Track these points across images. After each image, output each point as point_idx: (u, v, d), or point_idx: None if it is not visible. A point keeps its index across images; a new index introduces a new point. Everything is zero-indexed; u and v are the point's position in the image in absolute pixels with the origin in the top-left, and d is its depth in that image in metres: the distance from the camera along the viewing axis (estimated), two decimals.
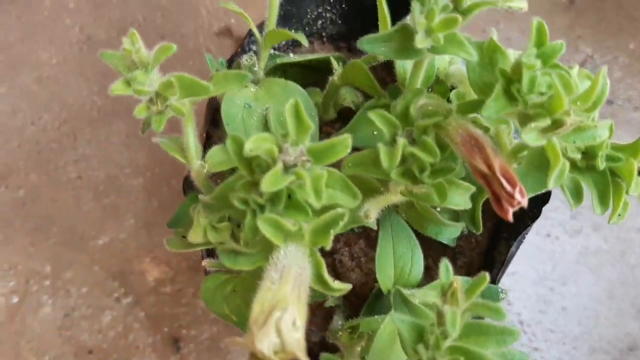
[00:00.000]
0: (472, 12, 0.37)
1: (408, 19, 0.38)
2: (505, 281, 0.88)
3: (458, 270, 0.62)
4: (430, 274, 0.63)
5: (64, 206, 0.89)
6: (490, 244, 0.63)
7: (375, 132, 0.50)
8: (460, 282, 0.37)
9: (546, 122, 0.33)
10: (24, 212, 0.89)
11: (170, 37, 0.96)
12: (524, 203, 0.34)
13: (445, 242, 0.54)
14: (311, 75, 0.63)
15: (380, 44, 0.38)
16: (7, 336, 0.84)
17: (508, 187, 0.33)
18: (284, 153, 0.36)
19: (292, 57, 0.58)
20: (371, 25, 0.55)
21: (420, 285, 0.55)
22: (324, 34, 0.69)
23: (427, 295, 0.43)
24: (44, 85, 0.93)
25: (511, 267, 0.88)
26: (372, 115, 0.39)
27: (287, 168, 0.36)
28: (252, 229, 0.36)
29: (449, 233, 0.53)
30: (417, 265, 0.53)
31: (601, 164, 0.37)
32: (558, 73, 0.33)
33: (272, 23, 0.53)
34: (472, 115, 0.39)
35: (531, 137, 0.34)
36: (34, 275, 0.87)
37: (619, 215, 0.39)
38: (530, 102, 0.34)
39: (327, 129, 0.64)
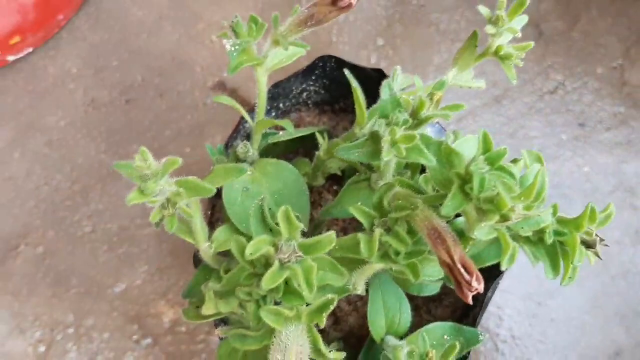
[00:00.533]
0: (428, 121, 0.44)
1: (376, 127, 0.45)
2: (496, 299, 0.96)
3: (444, 309, 0.69)
4: (419, 312, 0.71)
5: (81, 258, 0.96)
6: None
7: (359, 203, 0.57)
8: (434, 352, 0.43)
9: (496, 217, 0.40)
10: (44, 267, 0.95)
11: (168, 94, 1.03)
12: (481, 289, 0.41)
13: (427, 294, 0.61)
14: (300, 141, 0.70)
15: (354, 150, 0.45)
16: None
17: (466, 276, 0.40)
18: (279, 252, 0.43)
19: (281, 135, 0.65)
20: (351, 91, 0.62)
21: (410, 327, 0.62)
22: (309, 102, 0.76)
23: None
24: (55, 148, 1.00)
25: (501, 285, 0.94)
26: (352, 210, 0.46)
27: (282, 264, 0.43)
28: (256, 317, 0.43)
29: (429, 290, 0.60)
30: (405, 314, 0.60)
31: (549, 239, 0.44)
32: (501, 180, 0.40)
33: (261, 113, 0.59)
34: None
35: (482, 232, 0.41)
36: (58, 325, 0.93)
37: (570, 278, 0.46)
38: (482, 197, 0.41)
39: (318, 188, 0.71)
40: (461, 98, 1.04)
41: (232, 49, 0.54)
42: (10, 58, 1.01)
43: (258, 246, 0.42)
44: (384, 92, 0.44)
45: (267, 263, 0.44)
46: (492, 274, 0.63)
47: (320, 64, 0.71)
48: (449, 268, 0.41)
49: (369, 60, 1.05)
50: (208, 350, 0.94)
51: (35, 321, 0.94)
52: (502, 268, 0.42)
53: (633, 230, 0.98)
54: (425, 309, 0.69)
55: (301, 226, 0.43)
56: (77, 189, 0.99)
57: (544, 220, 0.42)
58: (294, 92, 0.74)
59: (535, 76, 1.05)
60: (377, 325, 0.59)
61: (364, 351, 0.62)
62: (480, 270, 0.56)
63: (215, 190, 0.49)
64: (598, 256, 0.47)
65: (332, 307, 0.44)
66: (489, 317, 0.94)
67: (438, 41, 1.07)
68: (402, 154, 0.42)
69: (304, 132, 0.65)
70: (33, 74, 1.04)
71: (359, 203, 0.57)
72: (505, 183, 0.40)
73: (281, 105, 0.74)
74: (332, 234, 0.44)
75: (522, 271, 0.97)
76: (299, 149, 0.73)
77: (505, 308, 0.96)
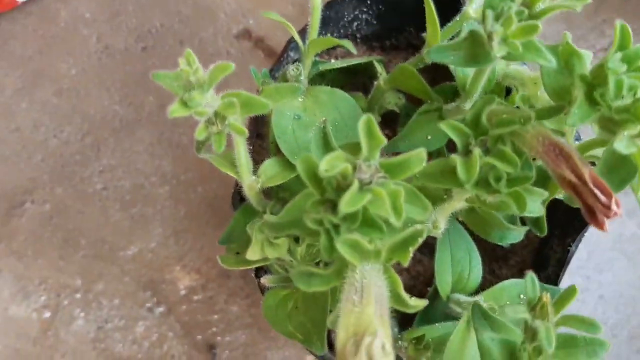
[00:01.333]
0: (544, 15, 0.35)
1: (475, 26, 0.36)
2: None
3: (510, 269, 0.61)
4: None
5: (91, 218, 0.88)
6: (542, 242, 0.61)
7: (428, 137, 0.49)
8: (548, 296, 0.35)
9: (636, 128, 0.32)
10: (51, 226, 0.87)
11: (189, 42, 0.94)
12: (620, 213, 0.33)
13: (510, 242, 0.52)
14: (349, 77, 0.62)
15: (450, 52, 0.37)
16: (41, 351, 0.83)
17: (603, 198, 0.32)
18: (358, 171, 0.35)
19: (334, 63, 0.57)
20: (406, 24, 0.54)
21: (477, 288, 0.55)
22: (357, 35, 0.68)
23: (516, 311, 0.41)
24: (65, 98, 0.92)
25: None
26: (444, 126, 0.38)
27: (362, 186, 0.35)
28: (328, 250, 0.35)
29: (513, 237, 0.52)
30: (475, 270, 0.52)
31: None
32: None
33: (314, 32, 0.51)
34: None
35: (622, 145, 0.33)
36: (65, 289, 0.86)
37: None
38: (615, 107, 0.33)
39: None
40: None
41: None
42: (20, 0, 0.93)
43: (334, 162, 0.34)
44: None
45: (339, 187, 0.36)
46: (574, 227, 0.55)
47: None
48: (576, 190, 0.33)
49: None
50: (226, 320, 0.86)
51: (40, 285, 0.86)
52: (638, 197, 0.33)
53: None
54: (487, 269, 0.61)
55: (385, 141, 0.35)
56: (88, 143, 0.90)
57: None
58: (344, 20, 0.65)
59: (589, 32, 0.97)
60: (444, 280, 0.51)
61: (423, 309, 0.53)
62: (559, 221, 0.48)
63: (270, 106, 0.41)
64: None
65: (420, 241, 0.36)
66: None
67: None
68: (518, 49, 0.34)
69: (360, 60, 0.57)
70: (44, 18, 0.95)
71: (429, 137, 0.49)
72: None
73: (329, 35, 0.65)
74: (422, 150, 0.35)
75: None
76: (346, 86, 0.65)
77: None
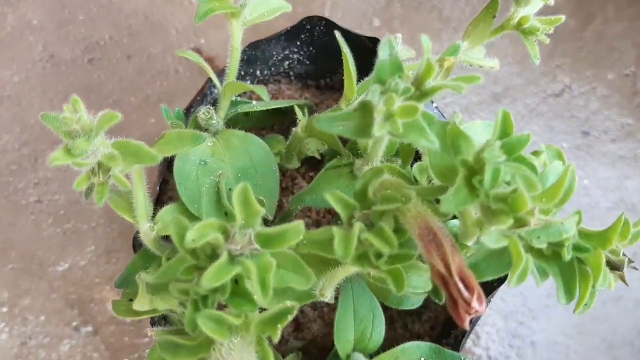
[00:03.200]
0: (434, 92, 0.34)
1: (369, 95, 0.35)
2: None
3: (422, 325, 0.60)
4: (394, 326, 0.61)
5: (22, 230, 0.86)
6: None
7: (338, 191, 0.48)
8: None
9: (509, 221, 0.31)
10: None
11: (137, 56, 0.93)
12: (482, 311, 0.32)
13: (408, 308, 0.51)
14: (276, 116, 0.60)
15: (339, 122, 0.35)
16: None
17: (465, 293, 0.31)
18: (230, 241, 0.34)
19: (254, 105, 0.55)
20: (340, 65, 0.53)
21: (382, 343, 0.53)
22: (291, 74, 0.67)
23: None
24: (5, 105, 0.90)
25: None
26: (329, 197, 0.36)
27: (233, 257, 0.34)
28: (192, 323, 0.34)
29: (411, 303, 0.51)
30: (378, 329, 0.51)
31: (567, 255, 0.35)
32: (522, 174, 0.31)
33: (232, 74, 0.50)
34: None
35: (492, 239, 0.32)
36: None
37: (586, 305, 0.37)
38: (493, 195, 0.32)
39: (292, 172, 0.62)
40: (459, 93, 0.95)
41: None
42: None
43: (203, 231, 0.33)
44: (383, 50, 0.35)
45: (214, 254, 0.34)
46: (484, 290, 0.54)
47: (308, 26, 0.61)
48: (443, 280, 0.32)
49: (372, 22, 0.96)
50: (153, 344, 0.84)
51: None
52: (510, 286, 0.32)
53: (630, 252, 0.89)
54: (401, 323, 0.60)
55: (262, 211, 0.34)
56: (25, 153, 0.88)
57: (568, 230, 0.33)
58: (274, 59, 0.64)
59: (541, 76, 0.97)
60: (344, 339, 0.50)
61: None
62: None
63: (160, 159, 0.39)
64: (623, 280, 0.38)
65: (290, 318, 0.34)
66: None
67: (439, 28, 0.97)
68: (399, 130, 0.33)
69: (281, 103, 0.55)
70: None
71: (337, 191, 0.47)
72: (526, 177, 0.30)
73: (258, 72, 0.64)
74: (300, 223, 0.34)
75: (505, 286, 0.89)
76: (274, 126, 0.63)
77: (484, 325, 0.88)
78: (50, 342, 0.83)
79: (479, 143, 0.36)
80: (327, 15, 0.96)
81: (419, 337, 0.58)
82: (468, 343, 0.85)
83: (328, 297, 0.42)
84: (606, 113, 0.96)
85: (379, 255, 0.36)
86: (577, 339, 0.87)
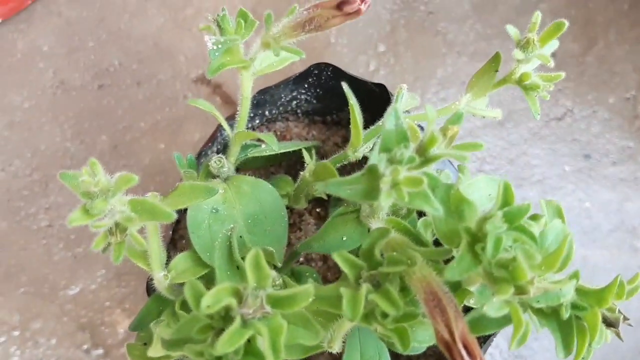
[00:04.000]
0: (437, 159, 0.36)
1: (375, 159, 0.37)
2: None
3: (427, 359, 0.62)
4: None
5: (34, 255, 0.88)
6: None
7: (344, 238, 0.50)
8: None
9: (510, 290, 0.33)
10: None
11: (147, 82, 0.94)
12: None
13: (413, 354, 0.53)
14: (284, 155, 0.62)
15: (347, 186, 0.37)
16: None
17: (467, 359, 0.33)
18: (242, 305, 0.35)
19: (263, 149, 0.57)
20: (345, 103, 0.54)
21: None
22: (298, 111, 0.68)
23: None
24: (16, 131, 0.91)
25: None
26: (336, 257, 0.38)
27: (245, 321, 0.35)
28: None
29: (414, 350, 0.52)
30: None
31: (565, 314, 0.37)
32: (521, 247, 0.32)
33: (242, 123, 0.51)
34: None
35: (494, 308, 0.34)
36: (2, 325, 0.85)
37: (583, 358, 0.39)
38: (495, 261, 0.33)
39: (299, 210, 0.63)
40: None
41: (215, 47, 0.46)
42: None
43: (218, 297, 0.34)
44: (389, 121, 0.36)
45: (227, 315, 0.36)
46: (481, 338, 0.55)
47: (316, 72, 0.63)
48: (447, 346, 0.34)
49: (368, 66, 0.97)
50: None
51: None
52: (511, 349, 0.34)
53: (631, 273, 0.91)
54: (405, 358, 0.62)
55: (272, 275, 0.36)
56: (37, 178, 0.90)
57: (565, 294, 0.34)
58: (282, 100, 0.65)
59: (543, 100, 0.98)
60: None
61: None
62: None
63: (175, 216, 0.41)
64: (619, 337, 0.40)
65: None
66: None
67: (444, 52, 0.99)
68: (404, 199, 0.34)
69: (288, 147, 0.57)
70: (0, 47, 0.95)
71: (344, 238, 0.49)
72: (526, 251, 0.32)
73: (267, 112, 0.66)
74: (309, 287, 0.36)
75: None
76: (282, 163, 0.65)
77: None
78: None
79: (481, 204, 0.37)
80: (332, 41, 0.97)
81: None
82: None
83: (336, 349, 0.44)
84: (607, 136, 0.97)
85: (385, 315, 0.37)
86: None
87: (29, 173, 0.90)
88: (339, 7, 0.40)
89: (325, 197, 0.59)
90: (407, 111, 0.53)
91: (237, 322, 0.34)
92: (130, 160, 0.91)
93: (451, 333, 0.34)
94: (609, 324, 0.39)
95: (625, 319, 0.40)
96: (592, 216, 0.94)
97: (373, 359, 0.51)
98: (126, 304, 0.87)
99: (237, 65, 0.47)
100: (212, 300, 0.34)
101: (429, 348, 0.62)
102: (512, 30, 0.45)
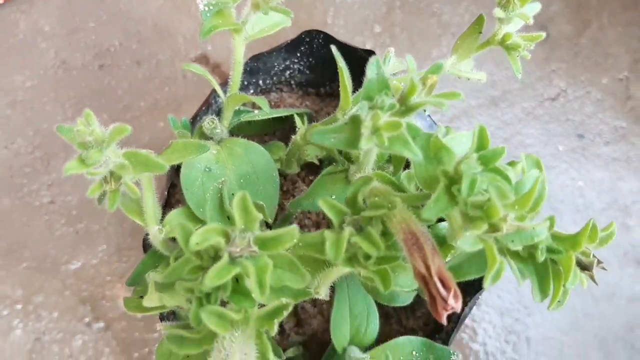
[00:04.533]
0: (418, 108, 0.37)
1: (358, 110, 0.38)
2: (472, 311, 0.90)
3: (416, 320, 0.63)
4: (389, 321, 0.65)
5: (36, 231, 0.90)
6: None
7: (333, 196, 0.51)
8: None
9: (484, 226, 0.34)
10: None
11: (146, 62, 0.96)
12: (457, 308, 0.35)
13: (398, 305, 0.55)
14: (277, 122, 0.63)
15: (330, 135, 0.39)
16: None
17: (442, 291, 0.34)
18: (230, 244, 0.37)
19: (256, 114, 0.58)
20: (338, 73, 0.56)
21: (377, 337, 0.56)
22: (292, 82, 0.70)
23: None
24: (18, 110, 0.93)
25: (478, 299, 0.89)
26: (321, 204, 0.40)
27: (233, 258, 0.37)
28: (196, 318, 0.37)
29: (401, 300, 0.54)
30: (372, 324, 0.54)
31: (540, 257, 0.38)
32: (494, 184, 0.34)
33: (235, 86, 0.53)
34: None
35: (467, 243, 0.35)
36: (5, 299, 0.87)
37: (559, 302, 0.40)
38: (471, 202, 0.35)
39: (292, 176, 0.65)
40: None
41: (206, 9, 0.48)
42: None
43: (206, 236, 0.36)
44: (371, 70, 0.38)
45: (216, 255, 0.38)
46: (472, 288, 0.57)
47: (307, 39, 0.65)
48: (424, 280, 0.35)
49: (364, 47, 0.99)
50: (161, 339, 0.88)
51: None
52: (485, 286, 0.36)
53: (622, 251, 0.92)
54: (395, 319, 0.63)
55: (260, 217, 0.37)
56: (39, 156, 0.92)
57: (539, 234, 0.36)
58: (276, 69, 0.67)
59: (537, 80, 1.00)
60: (340, 334, 0.53)
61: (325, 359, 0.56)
62: (459, 283, 0.50)
63: (167, 167, 0.43)
64: (593, 280, 0.41)
65: (285, 313, 0.38)
66: (464, 329, 0.89)
67: (439, 34, 1.00)
68: (384, 143, 0.36)
69: (281, 112, 0.59)
70: (2, 28, 0.97)
71: (333, 196, 0.51)
72: (499, 188, 0.34)
73: (261, 82, 0.67)
74: (293, 228, 0.38)
75: (501, 284, 0.91)
76: (276, 132, 0.67)
77: (481, 321, 0.91)
78: (63, 338, 0.86)
79: (461, 153, 0.39)
80: (329, 22, 0.99)
81: (413, 332, 0.61)
82: (465, 339, 0.88)
83: (322, 294, 0.46)
84: (600, 116, 0.99)
85: (367, 257, 0.39)
86: (571, 335, 0.90)
87: (31, 151, 0.92)
88: None
89: (317, 163, 0.60)
90: (395, 74, 0.54)
91: (225, 258, 0.36)
92: (130, 138, 0.92)
93: (427, 268, 0.35)
94: (584, 267, 0.40)
95: (599, 262, 0.41)
96: (585, 195, 0.95)
97: (362, 314, 0.53)
98: (127, 278, 0.89)
99: (229, 27, 0.49)
100: (200, 238, 0.36)
101: (419, 310, 0.64)
102: None
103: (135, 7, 0.99)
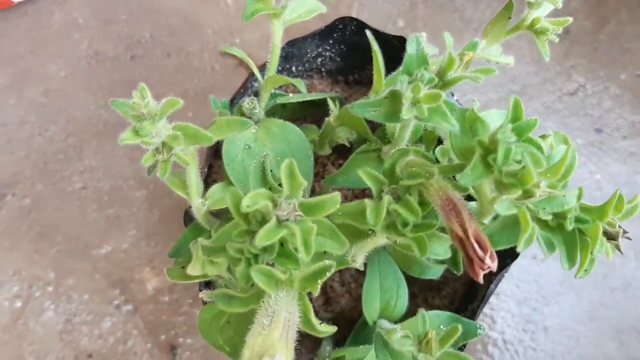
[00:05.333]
0: (455, 83, 0.40)
1: (397, 85, 0.41)
2: (491, 300, 0.92)
3: (442, 299, 0.66)
4: (415, 301, 0.67)
5: (68, 215, 0.92)
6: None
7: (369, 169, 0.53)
8: (434, 333, 0.40)
9: (518, 192, 0.36)
10: (29, 220, 0.92)
11: (176, 54, 0.99)
12: (494, 267, 0.37)
13: (429, 278, 0.57)
14: (309, 108, 0.66)
15: (371, 108, 0.41)
16: (10, 339, 0.87)
17: (480, 252, 0.37)
18: (277, 208, 0.40)
19: (291, 97, 0.61)
20: (368, 62, 0.58)
21: (405, 314, 0.59)
22: (322, 70, 0.72)
23: (404, 344, 0.46)
24: (52, 98, 0.96)
25: (498, 287, 0.91)
26: (361, 173, 0.42)
27: (280, 221, 0.40)
28: (245, 277, 0.39)
29: (432, 273, 0.56)
30: (402, 299, 0.56)
31: (569, 226, 0.41)
32: (529, 151, 0.36)
33: (273, 69, 0.56)
34: None
35: (503, 206, 0.37)
36: (38, 281, 0.90)
37: (585, 270, 0.42)
38: (505, 171, 0.37)
39: (322, 159, 0.68)
40: (478, 89, 1.00)
41: None
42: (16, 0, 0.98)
43: (256, 199, 0.39)
44: (411, 46, 0.40)
45: (263, 220, 0.40)
46: (500, 266, 0.59)
47: (340, 26, 0.67)
48: (461, 243, 0.38)
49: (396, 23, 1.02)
50: (189, 323, 0.90)
51: (14, 275, 0.90)
52: (519, 249, 0.38)
53: (639, 243, 0.94)
54: (422, 298, 0.66)
55: (305, 183, 0.40)
56: (72, 143, 0.95)
57: (569, 201, 0.38)
58: (308, 56, 0.70)
59: (557, 75, 1.02)
60: (371, 307, 0.55)
61: (355, 332, 0.58)
62: None
63: (214, 140, 0.45)
64: (619, 249, 0.43)
65: (328, 274, 0.40)
66: (482, 318, 0.91)
67: (461, 29, 1.03)
68: (424, 114, 0.38)
69: (315, 96, 0.61)
70: (38, 19, 1.00)
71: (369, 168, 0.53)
72: (533, 155, 0.36)
73: (293, 68, 0.70)
74: (337, 194, 0.40)
75: (520, 273, 0.93)
76: (307, 117, 0.69)
77: (499, 310, 0.93)
78: (93, 320, 0.89)
79: (494, 127, 0.41)
80: (354, 15, 1.02)
81: (439, 309, 0.63)
82: (484, 326, 0.90)
83: (359, 263, 0.48)
84: (618, 111, 1.00)
85: (405, 224, 0.41)
86: (587, 325, 0.91)
87: (64, 138, 0.95)
88: None
89: (347, 145, 0.63)
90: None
91: (273, 221, 0.39)
92: None
93: (465, 231, 0.38)
94: (610, 237, 0.43)
95: (624, 232, 0.43)
96: (602, 188, 0.97)
97: (392, 289, 0.55)
98: (155, 263, 0.92)
99: (269, 12, 0.51)
100: (250, 202, 0.38)
101: (444, 289, 0.66)
102: None
103: (166, 0, 1.02)
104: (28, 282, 0.89)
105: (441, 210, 0.39)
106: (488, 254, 0.36)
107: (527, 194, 0.37)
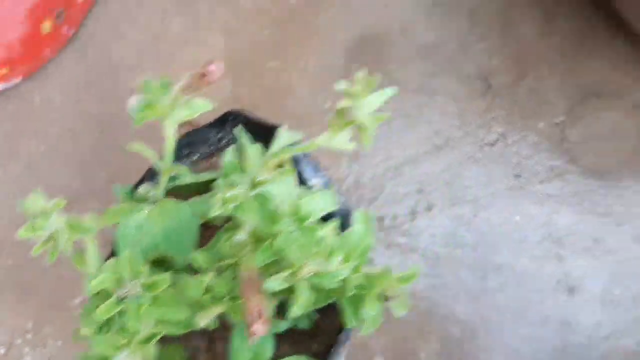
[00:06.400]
0: (262, 184, 0.53)
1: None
2: None
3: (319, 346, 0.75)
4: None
5: (47, 273, 1.07)
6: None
7: None
8: None
9: (287, 270, 0.48)
10: (12, 278, 1.07)
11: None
12: (265, 331, 0.49)
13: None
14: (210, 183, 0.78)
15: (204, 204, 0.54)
16: None
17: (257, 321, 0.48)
18: (121, 287, 0.52)
19: (184, 179, 0.73)
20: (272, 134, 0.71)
21: None
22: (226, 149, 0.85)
23: None
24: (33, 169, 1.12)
25: None
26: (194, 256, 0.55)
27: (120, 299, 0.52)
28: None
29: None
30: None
31: (350, 292, 0.52)
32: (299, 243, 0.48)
33: (168, 160, 0.67)
34: None
35: (275, 284, 0.49)
36: (19, 330, 1.04)
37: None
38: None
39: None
40: (406, 145, 1.11)
41: (138, 104, 0.64)
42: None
43: (102, 281, 0.51)
44: (228, 154, 0.53)
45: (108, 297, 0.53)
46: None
47: (231, 118, 0.80)
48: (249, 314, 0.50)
49: (324, 104, 1.14)
50: None
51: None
52: (293, 314, 0.49)
53: (555, 280, 1.03)
54: (305, 346, 0.75)
55: (142, 271, 0.52)
56: None
57: (340, 275, 0.50)
58: (212, 139, 0.83)
59: (478, 128, 1.12)
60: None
61: None
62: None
63: (95, 230, 0.58)
64: (396, 311, 0.54)
65: (157, 337, 0.53)
66: None
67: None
68: (229, 210, 0.51)
69: (205, 177, 0.73)
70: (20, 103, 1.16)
71: None
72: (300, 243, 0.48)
73: (201, 150, 0.83)
74: (166, 276, 0.53)
75: None
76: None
77: None
78: None
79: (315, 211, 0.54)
80: (293, 82, 1.14)
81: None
82: None
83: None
84: (536, 158, 1.10)
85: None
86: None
87: None
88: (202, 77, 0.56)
89: None
90: (293, 144, 0.68)
91: (113, 299, 0.51)
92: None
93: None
94: (386, 299, 0.54)
95: (399, 296, 0.54)
96: (521, 229, 1.06)
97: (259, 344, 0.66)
98: None
99: (157, 116, 0.64)
100: (97, 283, 0.51)
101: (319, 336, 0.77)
102: (341, 85, 0.59)
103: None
104: (11, 330, 1.04)
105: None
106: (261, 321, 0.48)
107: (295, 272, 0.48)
